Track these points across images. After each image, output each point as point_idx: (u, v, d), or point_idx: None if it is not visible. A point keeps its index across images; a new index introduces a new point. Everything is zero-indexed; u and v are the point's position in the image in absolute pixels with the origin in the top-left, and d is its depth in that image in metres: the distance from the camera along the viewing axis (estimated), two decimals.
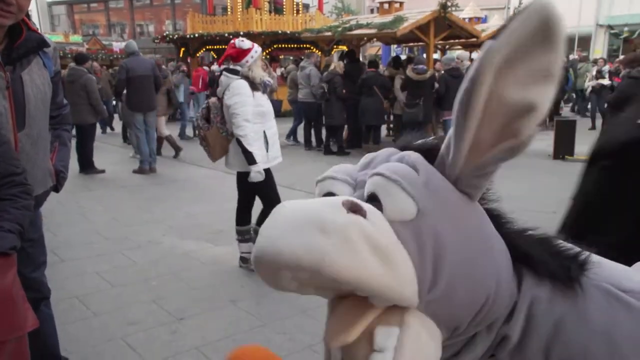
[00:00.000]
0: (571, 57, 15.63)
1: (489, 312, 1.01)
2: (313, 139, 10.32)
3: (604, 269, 1.14)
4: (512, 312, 1.07)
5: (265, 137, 3.90)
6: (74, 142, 8.33)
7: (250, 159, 3.77)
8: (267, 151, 3.90)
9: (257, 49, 3.95)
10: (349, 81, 9.44)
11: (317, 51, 14.63)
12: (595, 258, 1.14)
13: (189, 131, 12.09)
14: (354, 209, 0.84)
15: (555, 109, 6.20)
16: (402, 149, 1.06)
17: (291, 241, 0.81)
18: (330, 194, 1.02)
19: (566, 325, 1.06)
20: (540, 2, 0.85)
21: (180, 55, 16.75)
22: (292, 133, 10.88)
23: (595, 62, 14.34)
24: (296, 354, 2.91)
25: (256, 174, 3.79)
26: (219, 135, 3.92)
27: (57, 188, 2.29)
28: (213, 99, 4.01)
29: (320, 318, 3.28)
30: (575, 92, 14.71)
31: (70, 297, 3.63)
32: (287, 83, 11.29)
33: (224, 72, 3.93)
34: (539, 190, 6.63)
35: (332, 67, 9.77)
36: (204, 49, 16.79)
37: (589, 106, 12.82)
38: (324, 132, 10.42)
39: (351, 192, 1.01)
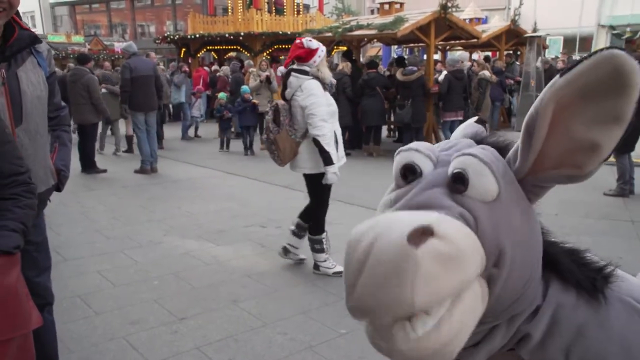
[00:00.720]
0: (574, 57, 15.67)
1: (519, 300, 1.07)
2: None
3: (628, 283, 1.22)
4: (536, 312, 1.14)
5: (335, 136, 3.88)
6: (75, 141, 8.36)
7: (327, 159, 3.75)
8: (337, 151, 3.87)
9: (322, 48, 3.90)
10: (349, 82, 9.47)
11: None
12: (619, 272, 1.21)
13: (191, 132, 12.12)
14: (421, 234, 0.88)
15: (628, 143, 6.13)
16: (478, 142, 1.13)
17: (379, 298, 0.87)
18: (410, 164, 1.09)
19: (588, 331, 1.12)
20: (612, 51, 0.90)
21: (181, 55, 16.76)
22: None
23: None
24: (297, 354, 2.92)
25: (332, 175, 3.77)
26: (288, 138, 3.85)
27: (59, 187, 2.31)
28: (281, 102, 3.93)
29: (321, 319, 3.30)
30: None
31: (72, 296, 3.64)
32: None
33: (293, 73, 3.87)
34: None
35: (340, 67, 9.82)
36: (205, 49, 16.81)
37: None
38: None
39: (432, 167, 1.09)
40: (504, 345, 1.17)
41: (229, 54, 17.84)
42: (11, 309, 1.49)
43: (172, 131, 12.23)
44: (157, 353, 2.93)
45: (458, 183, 1.02)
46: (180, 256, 4.46)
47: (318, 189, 3.94)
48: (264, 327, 3.22)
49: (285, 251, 4.21)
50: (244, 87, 10.00)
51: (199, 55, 16.59)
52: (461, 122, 8.70)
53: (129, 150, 10.06)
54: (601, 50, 0.91)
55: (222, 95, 10.70)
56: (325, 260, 4.04)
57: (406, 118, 9.10)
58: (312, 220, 4.04)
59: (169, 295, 3.69)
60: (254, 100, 9.73)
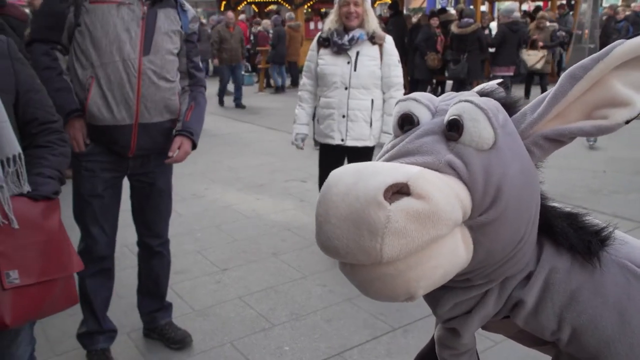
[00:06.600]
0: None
1: (511, 260, 1.05)
2: None
3: (628, 246, 1.18)
4: (529, 278, 1.12)
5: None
6: None
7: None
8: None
9: None
10: (393, 36, 9.25)
11: None
12: (619, 235, 1.18)
13: (230, 86, 12.12)
14: (395, 191, 0.88)
15: None
16: (482, 95, 1.09)
17: (348, 244, 0.88)
18: (408, 114, 1.09)
19: (581, 296, 1.10)
20: None
21: (221, 8, 16.62)
22: None
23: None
24: (335, 305, 2.98)
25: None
26: None
27: (193, 144, 2.44)
28: None
29: None
30: None
31: (120, 246, 3.77)
32: None
33: None
34: (590, 149, 6.40)
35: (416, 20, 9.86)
36: (245, 2, 16.60)
37: None
38: None
39: (430, 117, 1.08)
40: (498, 312, 1.16)
41: (270, 7, 17.59)
42: (54, 252, 1.58)
43: (210, 87, 12.28)
44: (201, 301, 3.05)
45: (452, 130, 1.00)
46: (221, 209, 4.56)
47: None
48: (304, 279, 3.29)
49: None
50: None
51: (239, 8, 16.40)
52: (511, 77, 8.12)
53: None
54: None
55: None
56: None
57: (462, 73, 8.69)
58: None
59: (212, 247, 3.80)
60: None
